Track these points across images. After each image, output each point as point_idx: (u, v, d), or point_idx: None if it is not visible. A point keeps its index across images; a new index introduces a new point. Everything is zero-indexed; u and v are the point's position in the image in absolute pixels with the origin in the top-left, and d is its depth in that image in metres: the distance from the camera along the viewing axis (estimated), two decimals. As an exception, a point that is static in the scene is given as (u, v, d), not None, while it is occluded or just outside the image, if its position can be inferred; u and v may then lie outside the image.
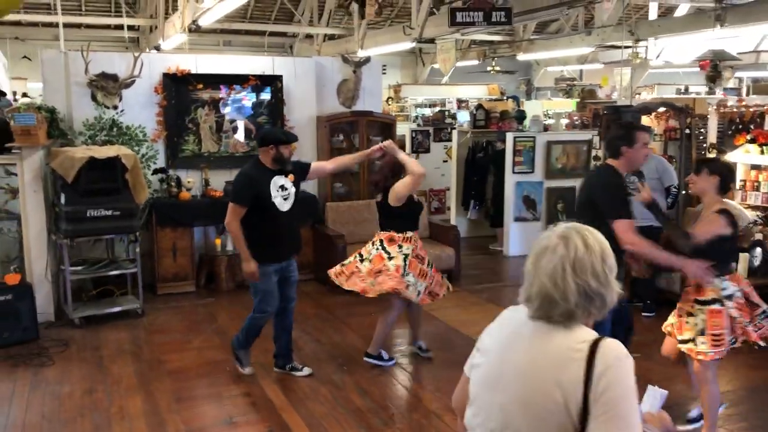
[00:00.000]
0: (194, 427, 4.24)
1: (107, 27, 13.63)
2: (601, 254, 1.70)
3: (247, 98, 7.59)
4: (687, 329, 3.81)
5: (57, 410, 4.41)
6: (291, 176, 4.72)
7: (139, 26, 14.12)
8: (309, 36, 14.98)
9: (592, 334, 1.66)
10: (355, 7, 10.52)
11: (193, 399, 4.61)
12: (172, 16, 10.75)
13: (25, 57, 12.79)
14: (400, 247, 4.93)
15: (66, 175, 5.72)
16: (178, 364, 5.23)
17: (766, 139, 6.80)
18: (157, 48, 11.87)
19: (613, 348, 1.61)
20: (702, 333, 3.73)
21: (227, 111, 7.51)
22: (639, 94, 13.60)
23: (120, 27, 12.54)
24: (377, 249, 4.97)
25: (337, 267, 5.15)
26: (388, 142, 5.03)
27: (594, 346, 1.61)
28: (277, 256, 4.71)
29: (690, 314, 3.82)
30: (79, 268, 6.20)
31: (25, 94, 10.79)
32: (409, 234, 4.99)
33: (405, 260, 4.88)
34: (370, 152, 5.11)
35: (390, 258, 4.89)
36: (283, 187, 4.65)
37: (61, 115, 6.76)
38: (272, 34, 15.62)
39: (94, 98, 6.86)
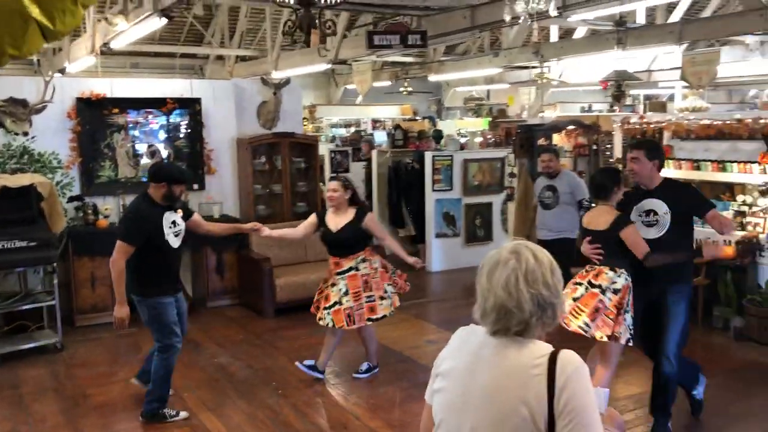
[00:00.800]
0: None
1: None
2: (550, 267, 1.81)
3: (165, 122, 7.46)
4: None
5: (-23, 455, 4.17)
6: (180, 211, 4.62)
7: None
8: (220, 57, 14.81)
9: (548, 348, 1.76)
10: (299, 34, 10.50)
11: (127, 432, 4.46)
12: (79, 38, 10.40)
13: None
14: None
15: (-23, 205, 5.44)
16: (103, 398, 5.05)
17: (666, 153, 7.32)
18: (62, 71, 11.43)
19: (570, 360, 1.72)
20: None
21: (145, 135, 7.35)
22: (543, 112, 14.26)
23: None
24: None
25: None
26: (259, 226, 5.09)
27: (552, 360, 1.71)
28: (173, 289, 4.61)
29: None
30: (-7, 302, 5.88)
31: None
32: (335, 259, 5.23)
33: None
34: (243, 229, 5.34)
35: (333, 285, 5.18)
36: (174, 223, 4.53)
37: (-35, 143, 6.42)
38: (183, 56, 15.34)
39: (1, 125, 6.55)
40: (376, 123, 15.95)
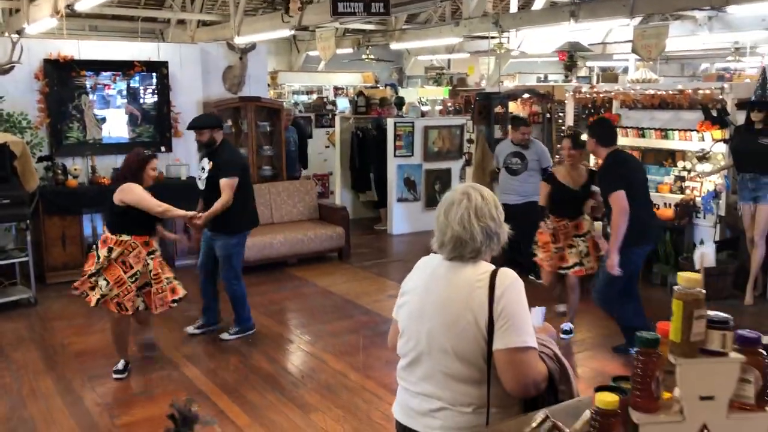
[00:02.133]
0: (111, 400, 4.40)
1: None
2: (494, 203, 2.18)
3: (133, 84, 7.58)
4: (572, 257, 5.36)
5: (-36, 397, 4.40)
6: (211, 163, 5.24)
7: (-5, 8, 13.29)
8: (182, 21, 14.74)
9: (491, 267, 2.14)
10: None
11: (106, 376, 4.73)
12: (40, -1, 10.31)
13: None
14: (110, 250, 4.57)
15: (-51, 164, 5.56)
16: (82, 346, 5.30)
17: (614, 121, 7.75)
18: (19, 32, 11.30)
19: (507, 275, 2.10)
20: (587, 254, 5.37)
21: (112, 98, 7.47)
22: (502, 82, 14.62)
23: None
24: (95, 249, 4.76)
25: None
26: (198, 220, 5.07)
27: (493, 276, 2.09)
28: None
29: (570, 246, 5.39)
30: (-33, 259, 6.03)
31: None
32: (125, 237, 4.60)
33: (99, 261, 4.57)
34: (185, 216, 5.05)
35: (98, 259, 4.61)
36: (203, 169, 5.28)
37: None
38: (144, 19, 15.20)
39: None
40: (338, 90, 16.11)
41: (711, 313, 1.41)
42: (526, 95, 7.94)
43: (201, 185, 5.32)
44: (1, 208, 5.84)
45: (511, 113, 8.01)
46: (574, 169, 5.45)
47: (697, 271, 1.42)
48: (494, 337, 2.02)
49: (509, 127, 7.36)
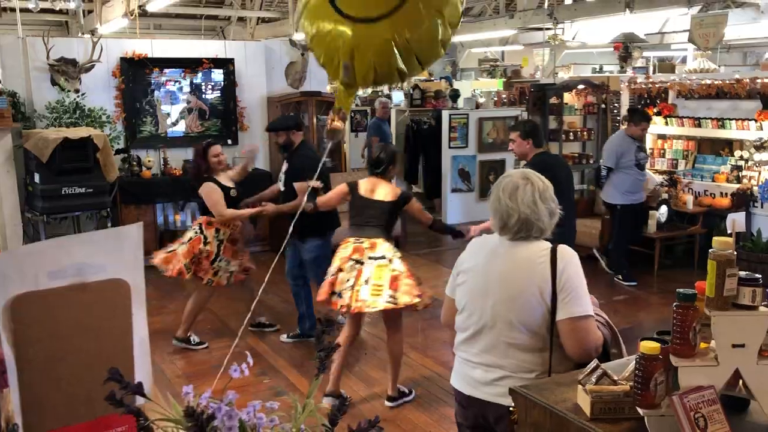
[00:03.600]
0: (190, 372, 4.78)
1: (41, 10, 13.44)
2: (550, 186, 2.41)
3: (202, 81, 8.01)
4: None
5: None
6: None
7: (67, 10, 14.01)
8: (242, 19, 15.23)
9: (548, 244, 2.36)
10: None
11: (184, 351, 5.13)
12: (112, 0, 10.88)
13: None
14: (217, 231, 5.05)
15: (41, 155, 6.05)
16: (159, 325, 5.71)
17: (669, 111, 7.81)
18: (93, 32, 11.94)
19: (567, 251, 2.32)
20: None
21: (183, 93, 7.91)
22: (557, 73, 14.62)
23: (49, 11, 12.47)
24: (195, 233, 5.08)
25: (162, 254, 5.17)
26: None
27: (554, 252, 2.31)
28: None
29: None
30: (55, 243, 6.52)
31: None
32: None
33: (219, 247, 5.06)
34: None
35: (206, 243, 5.01)
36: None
37: (21, 100, 7.00)
38: (205, 17, 15.75)
39: (54, 82, 7.12)
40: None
41: (742, 273, 1.61)
42: (581, 86, 8.03)
43: (281, 186, 5.39)
44: (85, 196, 6.31)
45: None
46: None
47: (729, 235, 1.63)
48: (557, 308, 2.24)
49: (628, 120, 7.00)
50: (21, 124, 6.67)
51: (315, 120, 8.44)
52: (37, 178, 6.16)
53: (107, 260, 1.17)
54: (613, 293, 6.58)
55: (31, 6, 4.19)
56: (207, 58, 7.94)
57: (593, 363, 1.82)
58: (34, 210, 6.28)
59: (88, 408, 1.20)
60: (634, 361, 1.69)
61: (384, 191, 4.32)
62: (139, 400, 1.05)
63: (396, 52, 1.77)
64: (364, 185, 4.39)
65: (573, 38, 15.06)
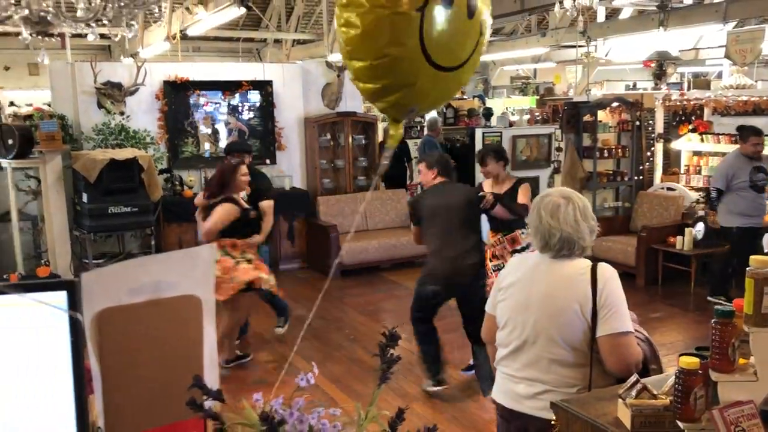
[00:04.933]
0: (231, 387, 4.89)
1: (77, 36, 13.96)
2: (589, 205, 2.48)
3: (240, 102, 8.22)
4: None
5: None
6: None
7: (112, 35, 14.50)
8: (278, 41, 15.55)
9: (588, 261, 2.41)
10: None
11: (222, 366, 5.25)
12: (153, 25, 11.24)
13: (9, 68, 13.05)
14: (243, 252, 5.04)
15: (89, 176, 6.28)
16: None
17: (705, 128, 7.77)
18: (134, 56, 12.33)
19: (607, 268, 2.38)
20: None
21: (222, 115, 8.13)
22: (590, 90, 14.60)
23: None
24: (221, 254, 4.94)
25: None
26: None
27: (594, 269, 2.37)
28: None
29: None
30: (101, 261, 6.75)
31: (12, 103, 11.14)
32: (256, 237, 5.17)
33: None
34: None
35: (237, 262, 4.98)
36: None
37: (69, 122, 7.28)
38: (243, 40, 16.12)
39: (100, 105, 7.39)
40: (425, 102, 16.48)
41: (780, 289, 1.66)
42: (615, 104, 8.05)
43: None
44: (130, 215, 6.53)
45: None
46: (498, 182, 5.19)
47: (766, 254, 1.68)
48: (597, 324, 2.28)
49: (739, 139, 6.48)
50: (70, 146, 6.93)
51: (350, 140, 8.59)
52: (84, 197, 6.39)
53: (181, 278, 1.27)
54: (650, 310, 6.55)
55: (90, 38, 4.38)
56: (246, 81, 8.16)
57: (633, 377, 1.88)
58: (82, 228, 6.51)
59: (163, 413, 1.30)
60: (673, 376, 1.74)
61: None
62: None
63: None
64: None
65: (606, 55, 15.06)
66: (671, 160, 8.35)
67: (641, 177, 8.20)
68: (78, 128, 7.35)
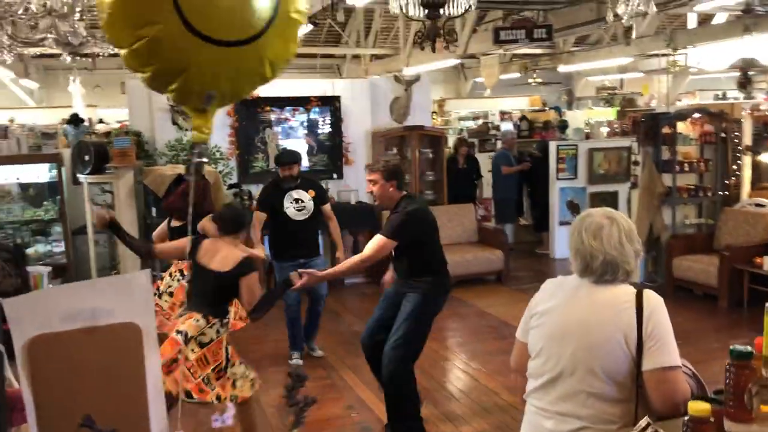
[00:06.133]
0: (281, 405, 4.89)
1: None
2: (634, 227, 2.28)
3: (309, 118, 8.32)
4: None
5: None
6: (311, 191, 5.64)
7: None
8: (357, 56, 15.72)
9: (632, 288, 2.21)
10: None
11: (276, 381, 5.26)
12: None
13: (97, 86, 13.82)
14: None
15: (157, 191, 6.46)
16: (260, 354, 5.91)
17: (797, 140, 7.20)
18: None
19: (653, 296, 2.19)
20: None
21: (291, 130, 8.25)
22: (680, 100, 13.91)
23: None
24: (177, 281, 4.63)
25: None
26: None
27: (639, 297, 2.17)
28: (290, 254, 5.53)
29: None
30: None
31: (101, 120, 11.75)
32: None
33: None
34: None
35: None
36: (297, 200, 5.58)
37: (145, 139, 7.57)
38: (322, 56, 16.41)
39: (174, 122, 7.65)
40: (504, 114, 16.22)
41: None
42: (696, 115, 7.59)
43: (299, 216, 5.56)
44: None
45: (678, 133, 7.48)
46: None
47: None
48: (643, 357, 2.09)
49: None
50: (143, 162, 7.20)
51: (417, 153, 8.50)
52: (153, 212, 6.60)
53: (117, 304, 1.23)
54: (732, 336, 6.07)
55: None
56: (315, 97, 8.24)
57: (644, 421, 1.69)
58: (151, 242, 6.71)
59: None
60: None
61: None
62: None
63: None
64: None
65: (697, 63, 14.32)
66: (760, 173, 7.79)
67: (726, 192, 7.69)
68: (153, 144, 7.63)
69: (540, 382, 2.28)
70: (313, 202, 5.61)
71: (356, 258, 4.04)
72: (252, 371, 3.71)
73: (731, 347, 1.48)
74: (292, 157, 5.74)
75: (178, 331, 3.43)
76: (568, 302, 2.27)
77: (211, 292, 3.56)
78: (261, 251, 5.22)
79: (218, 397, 3.44)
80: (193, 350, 3.41)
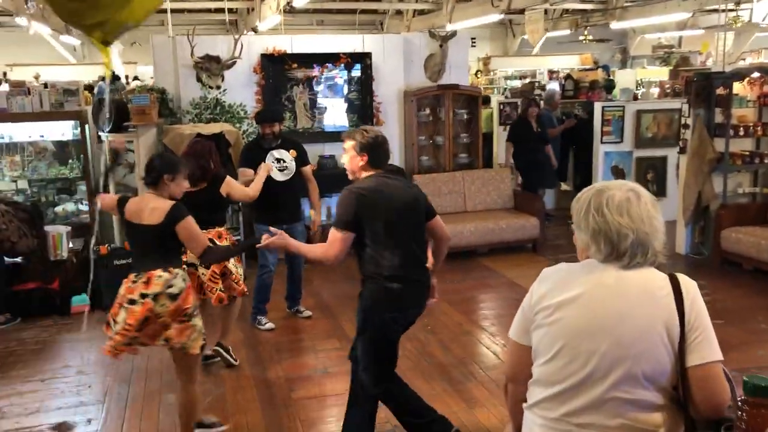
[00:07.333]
0: (293, 375, 4.71)
1: (208, 11, 14.39)
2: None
3: (339, 76, 7.98)
4: None
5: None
6: (292, 152, 5.47)
7: (237, 9, 14.81)
8: (399, 12, 15.20)
9: (661, 272, 1.88)
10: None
11: (291, 350, 5.09)
12: (268, -2, 11.27)
13: (135, 43, 13.72)
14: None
15: (176, 150, 6.27)
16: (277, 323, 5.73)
17: None
18: (254, 29, 12.48)
19: (689, 281, 1.86)
20: None
21: (320, 88, 7.94)
22: (744, 59, 12.99)
23: (221, 10, 13.22)
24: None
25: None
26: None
27: (674, 281, 1.84)
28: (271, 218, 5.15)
29: None
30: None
31: (136, 77, 11.66)
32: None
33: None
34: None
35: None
36: (279, 160, 5.42)
37: (170, 96, 7.37)
38: (363, 11, 15.93)
39: (199, 79, 7.42)
40: (552, 74, 15.54)
41: None
42: (755, 74, 6.97)
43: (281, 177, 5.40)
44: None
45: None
46: None
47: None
48: (686, 351, 1.79)
49: None
50: (166, 120, 7.02)
51: (452, 114, 8.10)
52: (173, 171, 6.42)
53: None
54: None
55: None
56: (344, 53, 7.89)
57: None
58: (171, 202, 6.57)
59: None
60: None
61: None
62: None
63: None
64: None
65: (763, 19, 13.33)
66: (826, 140, 7.15)
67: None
68: (178, 102, 7.43)
69: (556, 390, 1.90)
70: (295, 163, 5.44)
71: (318, 251, 3.33)
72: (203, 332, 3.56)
73: (745, 378, 1.14)
74: (274, 115, 5.56)
75: (144, 295, 3.32)
76: (593, 293, 1.88)
77: (157, 247, 3.43)
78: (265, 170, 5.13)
79: (167, 339, 3.39)
80: (164, 305, 3.34)
